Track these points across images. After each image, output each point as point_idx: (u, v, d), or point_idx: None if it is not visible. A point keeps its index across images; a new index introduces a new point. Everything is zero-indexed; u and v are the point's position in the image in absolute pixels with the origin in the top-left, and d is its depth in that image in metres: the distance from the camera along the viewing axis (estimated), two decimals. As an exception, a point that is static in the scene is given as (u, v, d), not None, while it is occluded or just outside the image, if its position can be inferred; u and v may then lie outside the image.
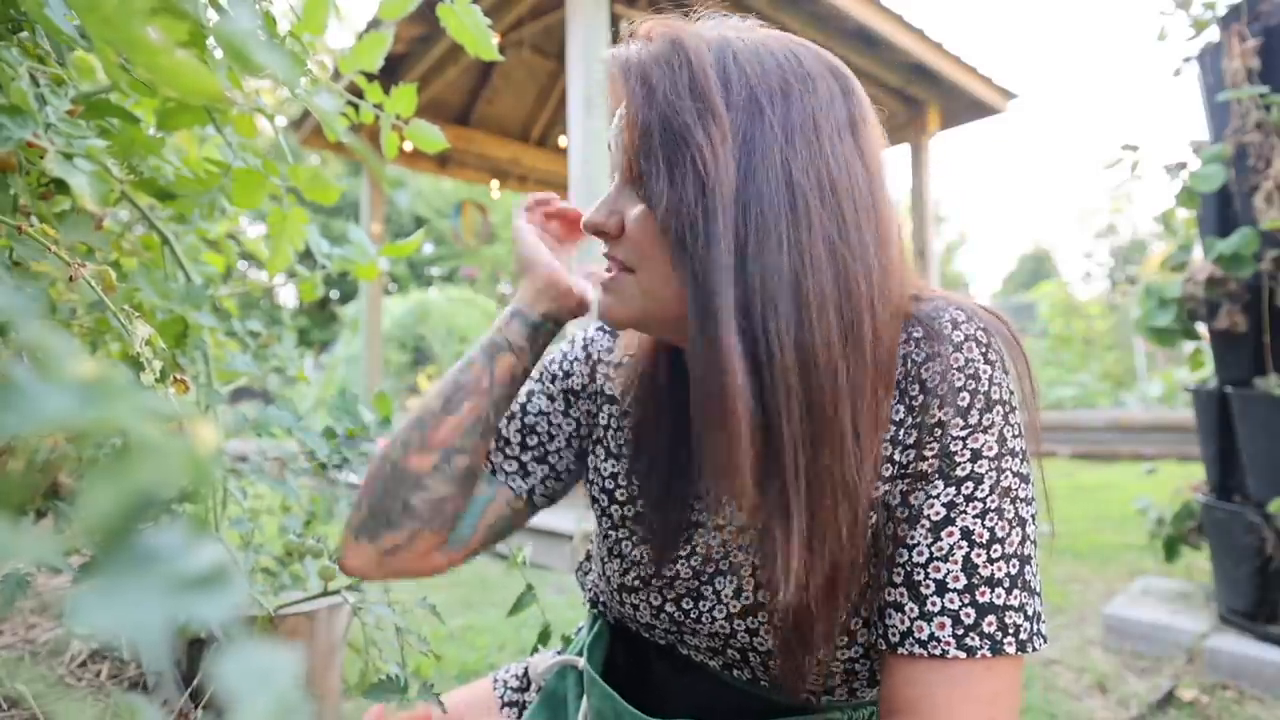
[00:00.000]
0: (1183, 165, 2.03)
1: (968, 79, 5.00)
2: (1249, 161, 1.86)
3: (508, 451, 0.69)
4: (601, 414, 0.68)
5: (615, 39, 0.57)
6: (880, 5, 4.24)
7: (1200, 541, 2.20)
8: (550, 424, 0.69)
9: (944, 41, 4.66)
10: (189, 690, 0.84)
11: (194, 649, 0.95)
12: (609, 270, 0.57)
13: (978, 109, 5.39)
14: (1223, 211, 1.98)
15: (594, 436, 0.69)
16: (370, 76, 0.79)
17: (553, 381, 0.70)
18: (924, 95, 5.17)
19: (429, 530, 0.62)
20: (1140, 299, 2.25)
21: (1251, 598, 1.83)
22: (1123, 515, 3.58)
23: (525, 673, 0.78)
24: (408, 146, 0.83)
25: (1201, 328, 2.11)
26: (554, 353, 0.72)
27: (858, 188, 0.50)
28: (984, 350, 0.51)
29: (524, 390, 0.71)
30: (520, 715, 0.75)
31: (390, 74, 4.59)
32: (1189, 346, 2.34)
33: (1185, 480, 2.40)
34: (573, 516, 3.19)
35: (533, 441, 0.69)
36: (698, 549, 0.60)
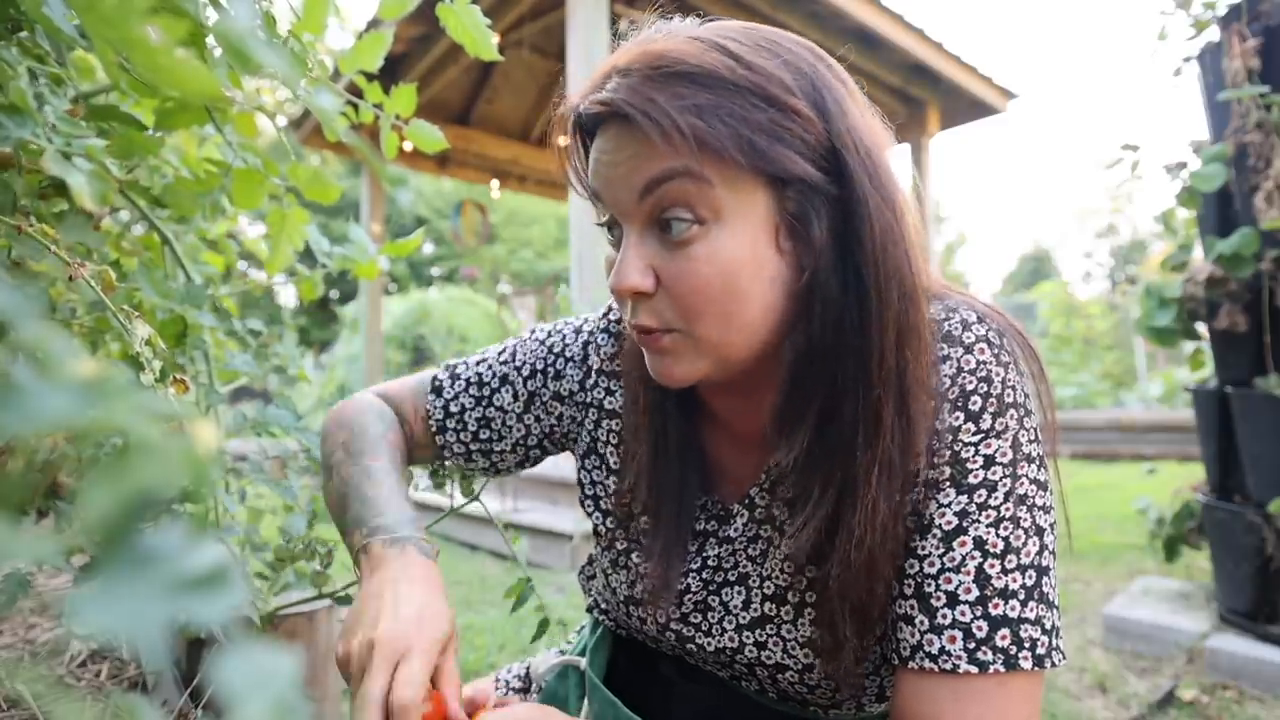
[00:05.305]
0: (1183, 165, 2.03)
1: (968, 79, 5.00)
2: (1249, 161, 1.86)
3: (461, 436, 0.70)
4: (600, 429, 0.65)
5: (615, 38, 0.55)
6: (880, 5, 4.24)
7: (1200, 541, 2.20)
8: (504, 424, 0.68)
9: (944, 41, 4.67)
10: (189, 690, 0.84)
11: (194, 649, 0.95)
12: (647, 333, 0.51)
13: (978, 109, 5.39)
14: (1223, 211, 1.99)
15: (584, 449, 0.67)
16: (370, 76, 0.79)
17: (530, 378, 0.67)
18: (924, 95, 5.17)
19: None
20: (1140, 299, 2.25)
21: (1251, 598, 1.83)
22: (1123, 515, 3.58)
23: (527, 672, 0.78)
24: (408, 146, 0.83)
25: (1202, 328, 2.11)
26: (554, 338, 0.68)
27: (879, 148, 0.49)
28: (996, 352, 0.50)
29: (499, 373, 0.69)
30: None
31: (390, 74, 4.59)
32: (1189, 346, 2.34)
33: (1185, 480, 2.41)
34: (572, 516, 3.19)
35: (484, 435, 0.69)
36: (709, 561, 0.59)
